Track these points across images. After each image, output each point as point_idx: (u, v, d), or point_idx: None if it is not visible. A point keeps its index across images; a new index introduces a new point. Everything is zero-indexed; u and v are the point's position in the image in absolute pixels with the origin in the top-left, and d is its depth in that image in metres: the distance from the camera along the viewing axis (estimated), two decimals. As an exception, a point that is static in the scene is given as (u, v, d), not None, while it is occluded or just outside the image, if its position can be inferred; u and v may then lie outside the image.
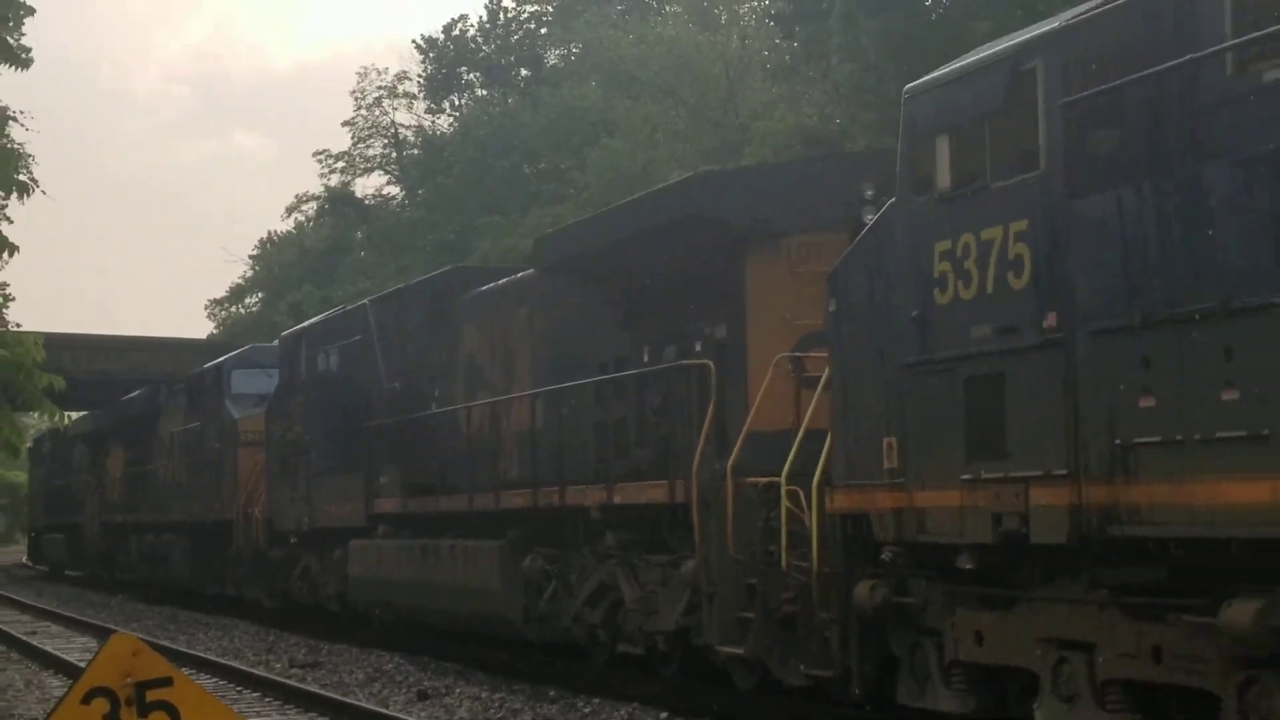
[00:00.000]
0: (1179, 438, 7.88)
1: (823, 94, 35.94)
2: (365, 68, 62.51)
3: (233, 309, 66.90)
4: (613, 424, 14.93)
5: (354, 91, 59.76)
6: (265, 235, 67.82)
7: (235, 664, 19.60)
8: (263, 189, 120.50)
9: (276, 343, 25.44)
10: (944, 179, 9.64)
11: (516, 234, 44.72)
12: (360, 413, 20.44)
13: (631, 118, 46.03)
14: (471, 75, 58.48)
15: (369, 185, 62.28)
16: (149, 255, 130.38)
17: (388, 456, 19.71)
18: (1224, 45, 7.91)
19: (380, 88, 58.84)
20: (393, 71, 60.21)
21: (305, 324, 23.83)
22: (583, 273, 15.61)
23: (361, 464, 20.46)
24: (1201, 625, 7.88)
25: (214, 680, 18.71)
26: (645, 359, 14.63)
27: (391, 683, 17.96)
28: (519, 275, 17.75)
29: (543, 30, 57.05)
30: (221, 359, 29.12)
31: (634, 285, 14.79)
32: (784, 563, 11.55)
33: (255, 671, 18.59)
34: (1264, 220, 7.42)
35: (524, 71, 57.03)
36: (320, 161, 60.68)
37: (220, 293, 69.36)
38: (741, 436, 12.46)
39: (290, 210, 63.97)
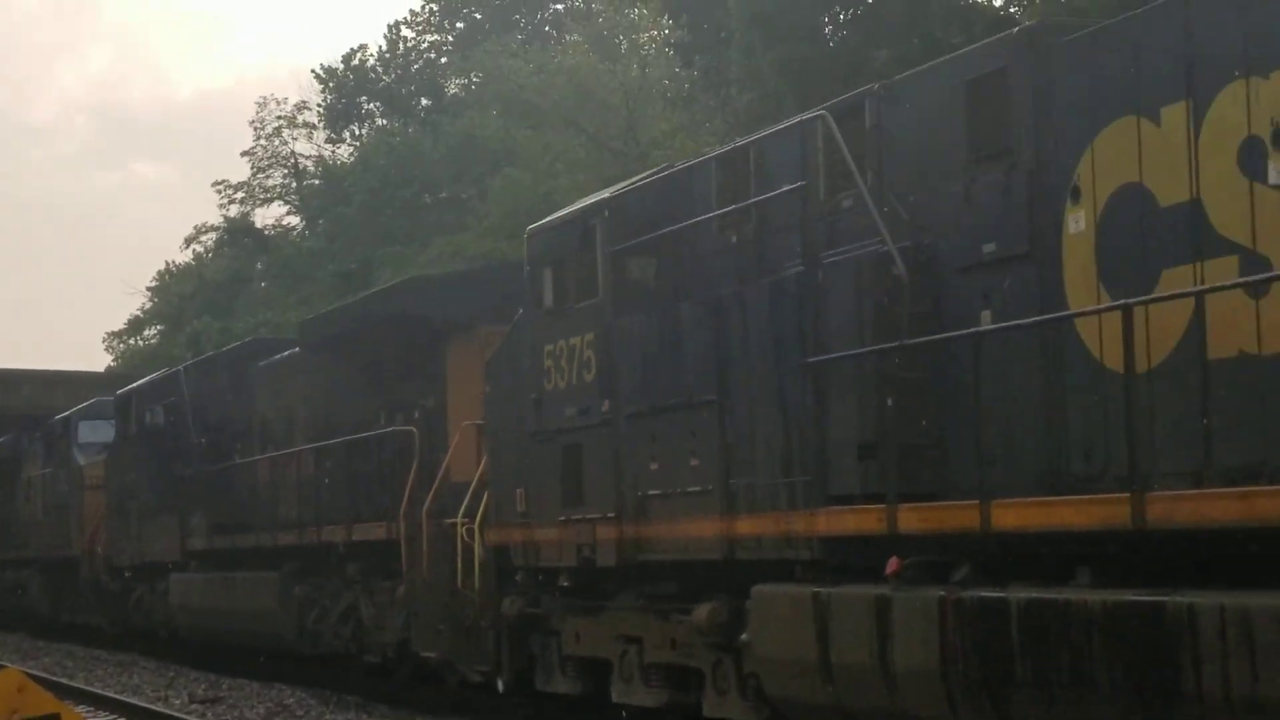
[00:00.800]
0: (670, 491, 11.81)
1: (723, 123, 36.12)
2: (264, 97, 61.99)
3: (131, 341, 66.04)
4: (357, 476, 18.87)
5: (253, 121, 59.15)
6: (164, 266, 66.88)
7: (135, 700, 19.35)
8: (162, 219, 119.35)
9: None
10: (549, 299, 13.67)
11: (417, 264, 44.56)
12: (177, 463, 24.24)
13: (532, 147, 46.03)
14: (371, 105, 58.22)
15: (269, 215, 61.60)
16: (46, 286, 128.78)
17: (198, 501, 23.75)
18: (708, 215, 11.92)
19: (280, 117, 58.34)
20: (292, 101, 59.70)
21: (136, 384, 27.45)
22: (334, 351, 19.81)
23: (178, 507, 24.46)
24: (688, 622, 11.65)
25: (113, 717, 18.42)
26: (382, 422, 18.46)
27: (293, 717, 17.78)
28: (296, 350, 21.55)
29: (443, 60, 56.93)
30: (70, 411, 33.28)
31: (370, 362, 18.85)
32: (460, 583, 15.04)
33: (155, 708, 18.42)
34: (707, 346, 11.37)
35: (424, 101, 56.84)
36: (219, 191, 59.96)
37: (119, 325, 68.35)
38: (435, 485, 16.48)
39: (189, 241, 63.10)
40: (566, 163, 44.98)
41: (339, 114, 57.82)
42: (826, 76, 28.35)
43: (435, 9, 58.40)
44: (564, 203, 37.33)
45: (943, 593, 9.10)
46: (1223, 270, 7.75)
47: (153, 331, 64.46)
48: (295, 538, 19.86)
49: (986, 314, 9.24)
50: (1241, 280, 7.61)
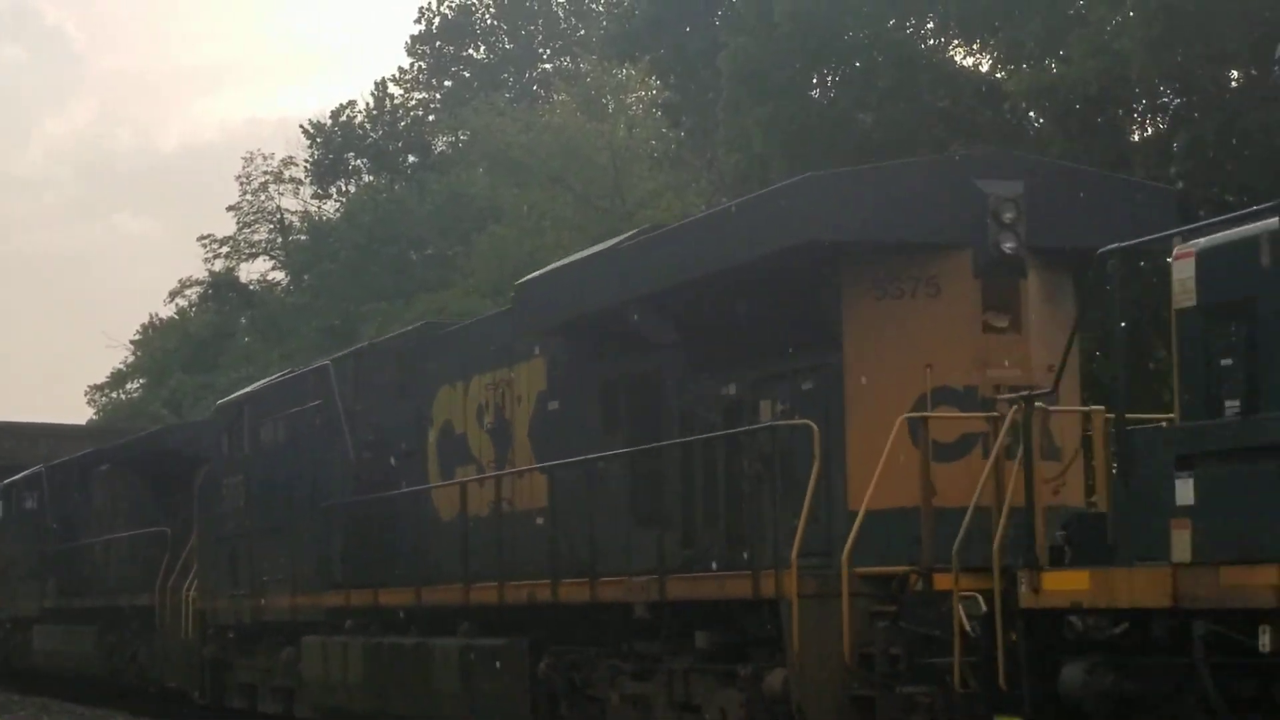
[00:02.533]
0: (272, 578, 20.63)
1: (709, 183, 36.15)
2: (251, 152, 62.01)
3: (113, 395, 65.76)
4: (144, 560, 26.05)
5: (239, 176, 59.16)
6: (148, 320, 66.64)
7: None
8: (146, 272, 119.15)
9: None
10: (225, 450, 21.55)
11: (402, 321, 44.52)
12: (41, 541, 29.58)
13: (518, 205, 46.10)
14: (358, 161, 58.27)
15: (254, 270, 61.51)
16: (28, 338, 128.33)
17: (51, 570, 31.71)
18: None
19: (266, 173, 58.38)
20: (279, 157, 59.72)
21: (13, 477, 33.75)
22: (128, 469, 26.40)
23: (40, 574, 33.13)
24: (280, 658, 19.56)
25: None
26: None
27: None
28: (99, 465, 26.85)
29: (430, 117, 57.04)
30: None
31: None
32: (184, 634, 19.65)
33: None
34: (284, 497, 19.82)
35: (411, 158, 56.90)
36: (204, 246, 59.87)
37: (101, 378, 68.08)
38: (178, 566, 23.97)
39: (173, 295, 62.91)
40: (553, 220, 45.08)
41: (326, 170, 57.89)
42: (814, 138, 28.40)
43: (423, 66, 58.50)
44: (550, 260, 37.56)
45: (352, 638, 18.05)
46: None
47: (135, 385, 64.23)
48: (108, 600, 25.69)
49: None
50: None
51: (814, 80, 31.13)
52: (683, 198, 36.87)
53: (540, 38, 57.72)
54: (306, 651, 18.07)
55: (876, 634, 10.21)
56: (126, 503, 26.83)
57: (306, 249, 55.95)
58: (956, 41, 32.03)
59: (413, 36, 59.48)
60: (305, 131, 58.29)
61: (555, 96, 54.13)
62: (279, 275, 59.78)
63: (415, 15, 59.35)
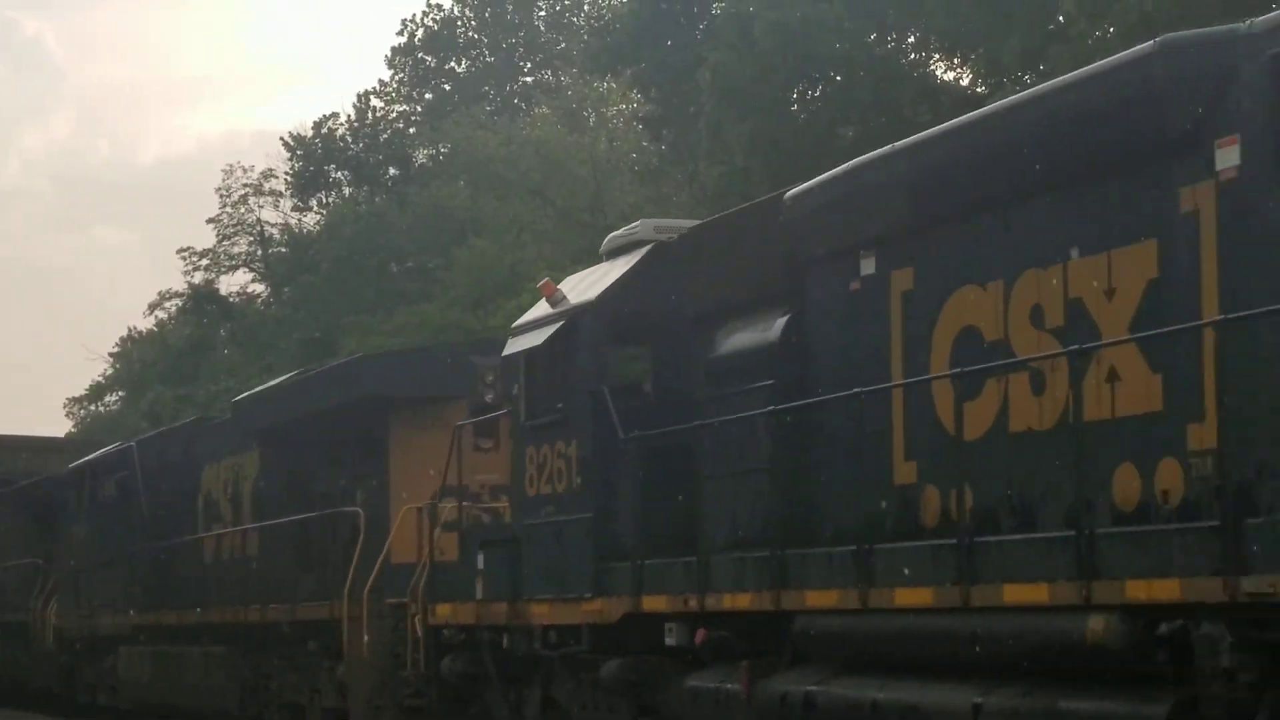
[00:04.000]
0: None
1: (690, 196, 36.12)
2: (231, 165, 61.82)
3: (92, 407, 65.51)
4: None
5: (219, 189, 59.01)
6: (127, 332, 66.41)
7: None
8: (125, 284, 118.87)
9: None
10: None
11: (382, 333, 44.40)
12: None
13: (499, 218, 46.01)
14: (339, 174, 58.17)
15: (234, 283, 61.33)
16: (6, 350, 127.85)
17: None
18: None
19: (246, 185, 58.24)
20: (259, 169, 59.60)
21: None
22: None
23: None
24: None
25: None
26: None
27: None
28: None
29: (411, 130, 56.98)
30: None
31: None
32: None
33: None
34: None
35: (392, 170, 56.84)
36: (184, 258, 59.68)
37: (80, 390, 67.79)
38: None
39: (153, 307, 62.67)
40: (533, 234, 44.99)
41: (306, 182, 57.76)
42: (795, 152, 28.45)
43: (404, 79, 58.47)
44: (530, 275, 37.46)
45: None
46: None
47: (114, 398, 64.00)
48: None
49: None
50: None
51: (795, 95, 31.13)
52: (664, 211, 36.81)
53: (521, 51, 57.68)
54: (121, 658, 24.46)
55: (395, 640, 15.86)
56: (14, 536, 32.08)
57: (287, 261, 55.78)
58: (938, 56, 32.14)
59: (394, 49, 59.28)
60: (286, 144, 58.07)
61: (536, 109, 54.10)
62: (259, 288, 59.46)
63: (397, 28, 59.06)
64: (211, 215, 59.98)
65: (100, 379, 66.13)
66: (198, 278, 60.24)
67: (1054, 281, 8.72)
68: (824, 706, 9.44)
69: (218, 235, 59.66)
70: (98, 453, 27.52)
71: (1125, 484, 8.20)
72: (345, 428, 17.87)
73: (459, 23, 58.32)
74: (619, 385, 12.31)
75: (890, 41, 31.63)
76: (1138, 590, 7.55)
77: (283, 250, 58.04)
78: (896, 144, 10.02)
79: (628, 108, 48.91)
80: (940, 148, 9.68)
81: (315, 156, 57.94)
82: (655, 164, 40.99)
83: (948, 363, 9.23)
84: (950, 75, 31.76)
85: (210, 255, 59.78)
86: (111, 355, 66.56)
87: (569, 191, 45.37)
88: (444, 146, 54.87)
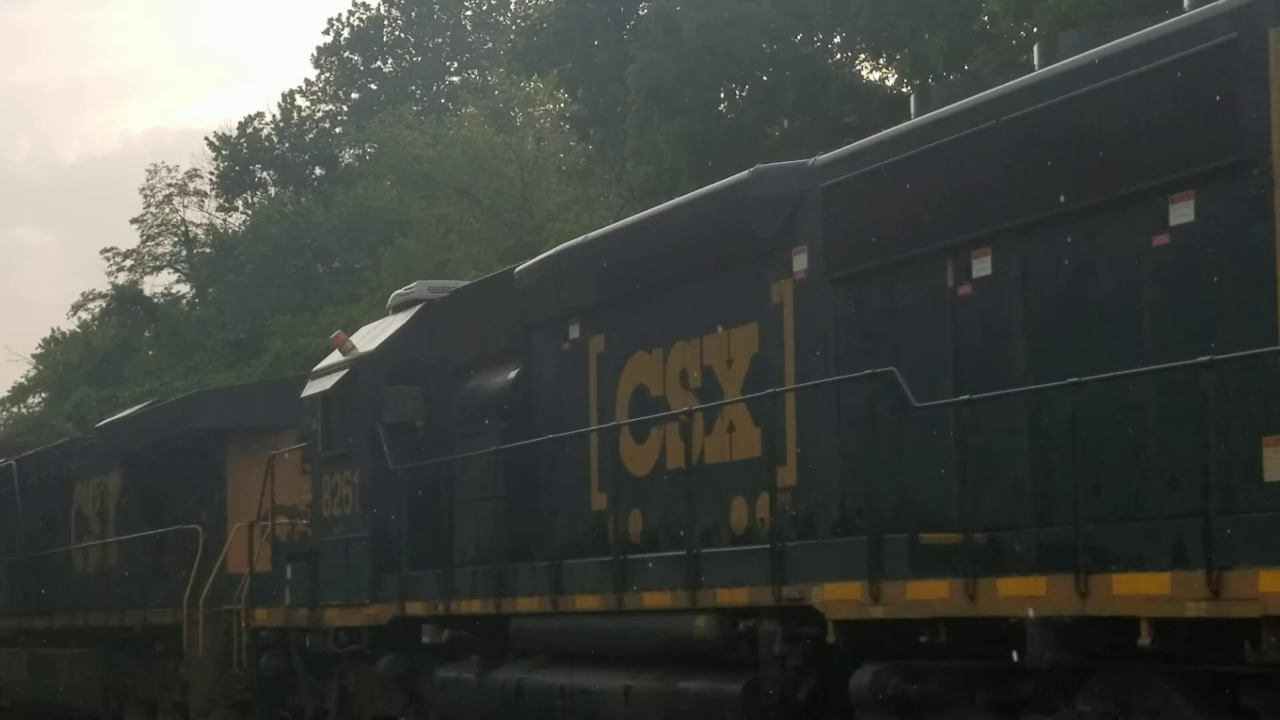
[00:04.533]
0: None
1: (618, 196, 36.30)
2: (155, 165, 61.39)
3: (15, 409, 64.86)
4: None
5: (143, 189, 58.59)
6: (50, 333, 65.82)
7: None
8: (48, 285, 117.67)
9: None
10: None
11: (309, 334, 44.19)
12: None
13: (426, 218, 46.00)
14: (265, 173, 57.84)
15: (158, 283, 60.88)
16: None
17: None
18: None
19: (170, 185, 57.83)
20: (184, 168, 59.13)
21: None
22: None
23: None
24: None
25: None
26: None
27: None
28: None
29: (337, 129, 56.76)
30: None
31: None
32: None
33: None
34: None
35: (318, 170, 56.56)
36: (108, 259, 59.22)
37: (2, 392, 67.12)
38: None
39: (76, 308, 62.21)
40: (461, 234, 44.99)
41: (232, 182, 57.45)
42: (722, 152, 28.49)
43: (330, 79, 58.17)
44: (458, 275, 37.32)
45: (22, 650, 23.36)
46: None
47: (37, 399, 63.42)
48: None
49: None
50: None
51: (722, 94, 31.22)
52: (591, 211, 36.87)
53: (448, 50, 57.68)
54: (0, 660, 27.24)
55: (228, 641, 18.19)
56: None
57: (212, 262, 55.47)
58: (863, 56, 32.26)
59: (320, 48, 59.25)
60: (210, 143, 57.75)
61: (463, 109, 54.08)
62: (184, 288, 59.09)
63: (323, 27, 58.77)
64: (136, 215, 59.27)
65: (23, 380, 65.49)
66: (122, 278, 59.62)
67: (694, 351, 11.61)
68: (529, 691, 12.25)
69: (142, 235, 59.10)
70: None
71: (739, 512, 10.99)
72: (189, 454, 20.76)
73: (385, 22, 58.23)
74: (398, 423, 14.87)
75: (817, 41, 31.73)
76: (724, 596, 10.35)
77: (208, 250, 57.70)
78: (591, 234, 13.18)
79: (555, 107, 48.91)
80: (620, 241, 12.64)
81: (240, 156, 57.57)
82: (583, 164, 41.09)
83: (626, 413, 12.03)
84: (876, 75, 31.91)
85: (134, 255, 59.22)
86: (34, 356, 65.81)
87: (496, 191, 45.41)
88: (370, 146, 54.80)
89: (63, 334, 66.26)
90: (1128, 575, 7.58)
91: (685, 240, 11.71)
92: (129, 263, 60.59)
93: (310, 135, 58.51)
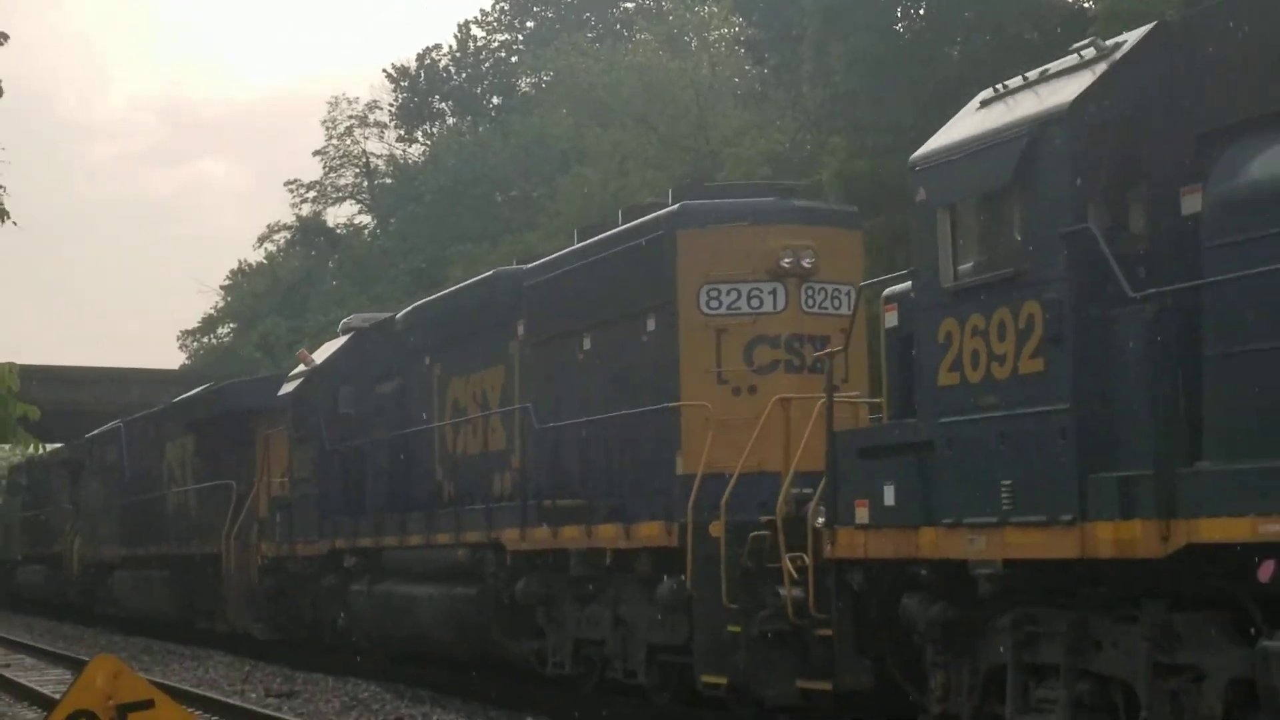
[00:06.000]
0: None
1: (793, 120, 36.27)
2: (336, 97, 62.76)
3: (205, 340, 66.66)
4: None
5: (325, 121, 60.06)
6: (237, 265, 67.49)
7: (211, 694, 19.69)
8: (234, 218, 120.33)
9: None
10: None
11: (488, 262, 44.65)
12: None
13: (602, 145, 46.46)
14: (443, 104, 58.53)
15: (340, 215, 62.28)
16: (121, 284, 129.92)
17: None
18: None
19: (351, 117, 59.04)
20: (364, 101, 60.14)
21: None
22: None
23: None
24: None
25: (191, 710, 18.43)
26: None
27: (368, 711, 18.32)
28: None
29: (513, 59, 57.29)
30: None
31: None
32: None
33: (231, 701, 18.92)
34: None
35: (495, 100, 57.11)
36: (291, 191, 60.95)
37: (193, 323, 68.95)
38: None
39: (261, 240, 64.23)
40: (637, 161, 45.27)
41: (410, 113, 58.42)
42: (898, 74, 28.17)
43: (506, 8, 58.65)
44: (634, 201, 37.37)
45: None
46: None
47: (226, 330, 65.12)
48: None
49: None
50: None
51: (898, 14, 30.87)
52: (767, 135, 36.91)
53: (623, -25, 57.63)
54: (115, 580, 35.62)
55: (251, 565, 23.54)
56: (55, 488, 43.22)
57: (392, 193, 56.43)
58: (1045, -31, 31.65)
59: (496, -22, 59.41)
60: (389, 75, 58.63)
61: (638, 35, 54.12)
62: (365, 219, 60.22)
63: (499, -43, 59.15)
64: (318, 148, 60.37)
65: (212, 311, 67.51)
66: (305, 210, 60.97)
67: (478, 380, 19.28)
68: (390, 596, 20.23)
69: (324, 167, 60.28)
70: (102, 428, 38.24)
71: (498, 483, 19.20)
72: (231, 426, 28.37)
73: (561, -51, 58.29)
74: (347, 413, 22.44)
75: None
76: (469, 537, 18.32)
77: (388, 181, 58.68)
78: (430, 297, 21.61)
79: (729, 31, 48.76)
80: (444, 304, 20.54)
81: (419, 87, 58.26)
82: (758, 88, 41.14)
83: (450, 417, 19.93)
84: (1057, -9, 31.29)
85: (317, 187, 60.45)
86: (222, 288, 67.60)
87: (672, 117, 45.59)
88: (546, 74, 55.17)
89: (249, 265, 68.24)
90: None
91: (471, 309, 19.45)
92: (312, 194, 62.03)
93: (486, 65, 59.32)
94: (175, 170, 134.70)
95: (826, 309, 14.64)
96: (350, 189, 62.55)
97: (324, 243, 61.66)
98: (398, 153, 61.62)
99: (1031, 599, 10.37)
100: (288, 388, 24.12)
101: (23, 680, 22.54)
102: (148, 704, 5.81)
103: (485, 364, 18.86)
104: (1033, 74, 10.73)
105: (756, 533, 13.45)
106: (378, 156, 61.71)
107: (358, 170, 62.14)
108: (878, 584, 11.78)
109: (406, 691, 19.93)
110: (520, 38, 61.31)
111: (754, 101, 43.65)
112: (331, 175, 62.14)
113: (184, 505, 31.08)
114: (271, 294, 62.36)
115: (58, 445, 45.01)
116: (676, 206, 15.56)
